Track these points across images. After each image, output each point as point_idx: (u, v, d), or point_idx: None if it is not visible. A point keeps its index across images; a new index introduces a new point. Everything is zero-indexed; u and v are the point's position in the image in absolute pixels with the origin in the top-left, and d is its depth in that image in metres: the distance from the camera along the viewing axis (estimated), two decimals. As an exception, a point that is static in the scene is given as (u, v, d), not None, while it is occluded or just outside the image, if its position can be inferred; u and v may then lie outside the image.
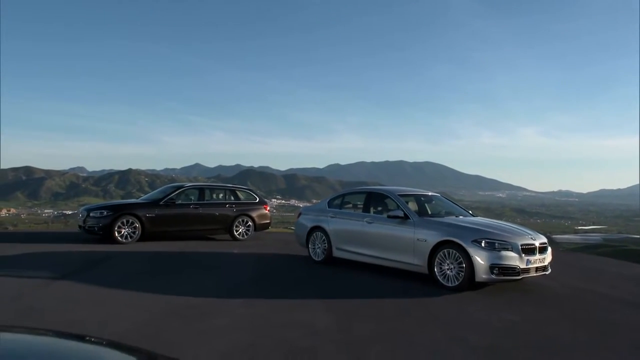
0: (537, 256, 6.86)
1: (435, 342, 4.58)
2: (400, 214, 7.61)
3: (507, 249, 6.60)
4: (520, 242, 6.75)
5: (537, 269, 6.88)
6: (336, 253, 8.55)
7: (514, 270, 6.59)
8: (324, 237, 8.78)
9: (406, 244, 7.37)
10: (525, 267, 6.66)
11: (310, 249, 9.19)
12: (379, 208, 8.35)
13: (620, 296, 6.95)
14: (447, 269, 6.85)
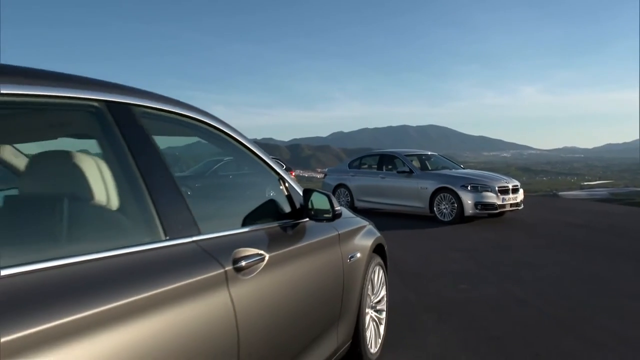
0: (511, 195, 9.23)
1: (435, 247, 6.97)
2: (407, 169, 9.97)
3: (487, 191, 8.95)
4: (497, 185, 9.11)
5: (511, 205, 9.24)
6: (357, 204, 10.87)
7: (492, 206, 8.96)
8: (346, 191, 11.11)
9: (412, 192, 9.73)
10: (501, 203, 9.02)
11: (335, 203, 11.61)
12: (390, 166, 10.66)
13: (574, 222, 9.31)
14: (444, 208, 9.23)
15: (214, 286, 1.43)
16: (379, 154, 11.36)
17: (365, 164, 11.50)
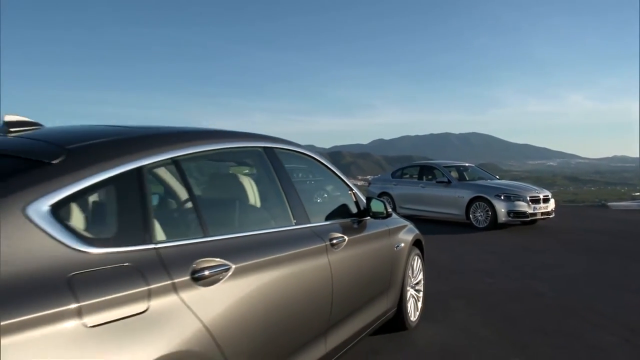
0: (542, 204, 10.00)
1: (469, 250, 7.86)
2: (445, 179, 10.87)
3: (519, 200, 9.75)
4: (529, 195, 9.90)
5: (542, 213, 10.00)
6: (399, 210, 11.79)
7: (524, 214, 9.75)
8: (389, 199, 12.05)
9: (450, 200, 10.60)
10: (532, 212, 9.81)
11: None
12: (429, 176, 11.56)
13: (596, 229, 9.98)
14: (479, 216, 10.07)
15: (319, 254, 2.47)
16: (419, 165, 12.34)
17: (406, 173, 12.45)
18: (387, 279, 3.41)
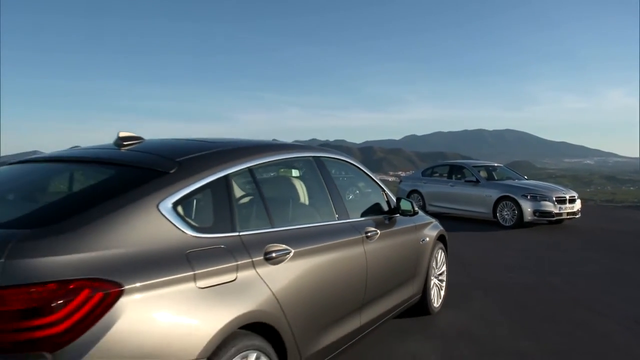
0: (568, 205, 10.33)
1: (494, 246, 8.33)
2: (474, 179, 11.28)
3: (545, 200, 10.11)
4: (555, 195, 10.24)
5: (568, 214, 10.33)
6: (429, 208, 12.24)
7: (549, 214, 10.11)
8: (419, 197, 12.52)
9: (477, 199, 11.02)
10: (558, 212, 10.15)
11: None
12: (459, 176, 11.99)
13: (621, 229, 10.26)
14: (505, 214, 10.46)
15: (356, 244, 3.04)
16: (449, 164, 12.80)
17: (436, 172, 12.89)
18: (413, 268, 3.96)
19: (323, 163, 3.16)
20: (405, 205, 3.79)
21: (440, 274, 4.68)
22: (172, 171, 2.13)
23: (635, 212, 15.12)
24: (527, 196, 10.24)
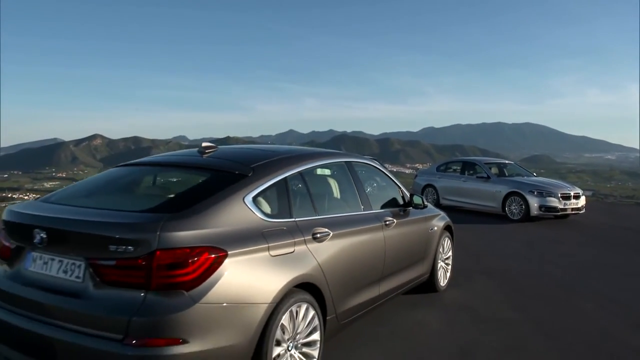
0: (572, 201, 11.10)
1: (500, 238, 9.16)
2: (485, 175, 12.07)
3: (550, 196, 10.89)
4: (560, 191, 11.02)
5: (572, 209, 11.10)
6: (442, 201, 13.05)
7: (554, 209, 10.90)
8: (433, 191, 13.34)
9: (488, 194, 11.82)
10: (562, 207, 10.94)
11: (423, 200, 14.11)
12: (471, 172, 12.77)
13: (624, 226, 10.97)
14: (513, 209, 11.26)
15: (377, 230, 3.90)
16: (462, 161, 13.65)
17: (450, 168, 13.70)
18: (422, 252, 4.82)
19: (352, 166, 4.04)
20: (417, 199, 4.64)
21: (447, 258, 5.52)
22: (249, 174, 3.01)
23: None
24: (533, 192, 11.02)
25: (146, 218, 2.50)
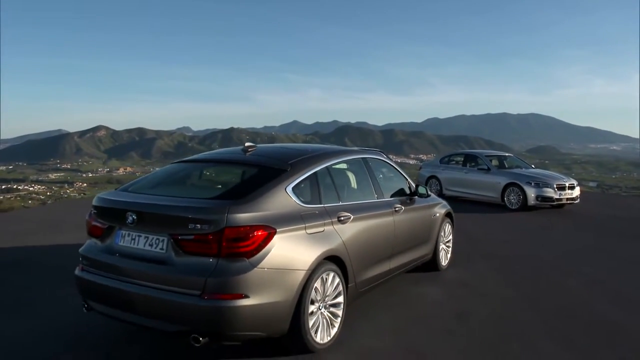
0: (567, 191, 11.86)
1: (499, 225, 9.91)
2: (485, 167, 12.83)
3: (547, 187, 11.65)
4: (555, 182, 11.78)
5: (567, 199, 11.87)
6: (445, 192, 13.79)
7: (550, 199, 11.67)
8: (437, 182, 14.08)
9: (488, 185, 12.58)
10: (558, 197, 11.69)
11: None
12: (472, 164, 13.51)
13: (618, 215, 11.70)
14: (512, 199, 12.02)
15: (388, 215, 4.65)
16: (464, 154, 14.40)
17: (453, 160, 14.44)
18: (426, 235, 5.57)
19: (368, 162, 4.79)
20: (421, 190, 5.38)
21: (448, 241, 6.28)
22: (288, 170, 3.76)
23: (638, 200, 16.40)
24: (531, 183, 11.77)
25: (216, 204, 3.26)
